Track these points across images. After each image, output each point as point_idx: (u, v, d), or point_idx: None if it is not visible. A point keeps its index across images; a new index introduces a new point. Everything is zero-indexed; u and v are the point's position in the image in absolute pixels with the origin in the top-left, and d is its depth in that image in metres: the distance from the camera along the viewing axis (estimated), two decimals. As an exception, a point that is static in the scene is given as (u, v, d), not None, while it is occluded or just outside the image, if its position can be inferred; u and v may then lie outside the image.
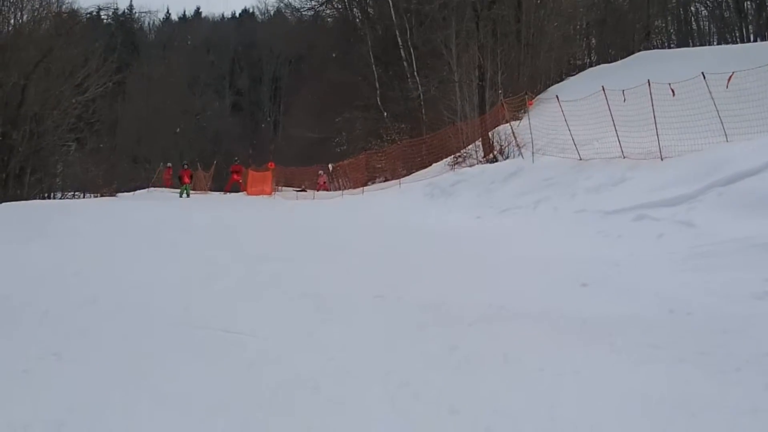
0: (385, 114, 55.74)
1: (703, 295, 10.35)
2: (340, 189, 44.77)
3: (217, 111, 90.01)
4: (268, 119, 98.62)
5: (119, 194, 41.39)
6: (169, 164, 52.98)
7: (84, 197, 39.06)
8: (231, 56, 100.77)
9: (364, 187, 39.27)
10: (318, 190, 45.01)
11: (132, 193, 44.74)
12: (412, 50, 55.23)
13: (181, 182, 41.98)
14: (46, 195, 37.96)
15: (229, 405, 6.52)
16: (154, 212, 24.87)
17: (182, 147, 75.34)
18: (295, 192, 44.55)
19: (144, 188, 49.06)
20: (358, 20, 67.09)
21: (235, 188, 47.65)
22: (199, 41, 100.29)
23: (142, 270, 13.46)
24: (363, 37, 60.92)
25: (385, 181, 41.27)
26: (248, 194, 43.18)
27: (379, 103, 57.68)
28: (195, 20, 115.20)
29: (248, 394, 6.80)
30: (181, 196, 39.24)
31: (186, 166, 45.16)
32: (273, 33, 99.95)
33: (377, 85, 58.75)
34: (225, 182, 50.22)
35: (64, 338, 8.46)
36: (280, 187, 46.95)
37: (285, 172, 51.16)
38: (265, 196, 41.23)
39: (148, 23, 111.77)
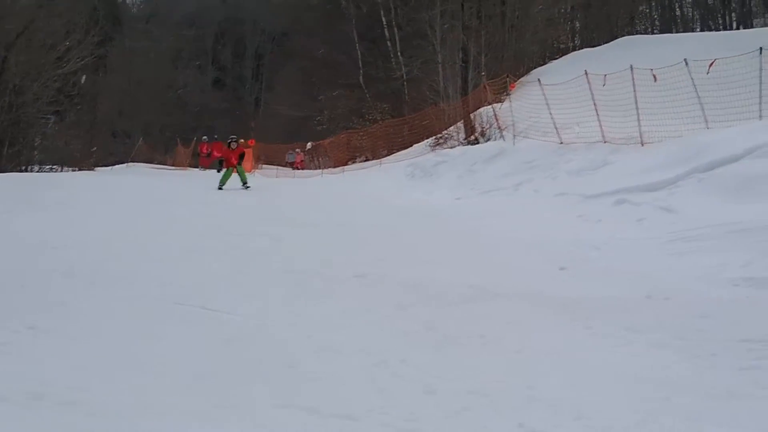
0: (368, 93, 55.60)
1: (681, 280, 10.41)
2: (320, 168, 44.67)
3: (199, 86, 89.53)
4: (250, 95, 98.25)
5: (97, 168, 41.18)
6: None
7: (62, 171, 38.80)
8: (214, 31, 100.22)
9: (345, 167, 39.21)
10: (294, 169, 44.88)
11: (110, 167, 44.53)
12: (396, 30, 55.06)
13: (224, 164, 28.63)
14: (23, 168, 37.56)
15: (207, 377, 6.50)
16: (139, 186, 24.77)
17: (163, 122, 75.03)
18: (276, 169, 44.40)
19: (123, 163, 48.82)
20: (343, -2, 66.94)
21: (215, 165, 47.34)
22: (183, 16, 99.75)
23: (124, 243, 13.37)
24: (347, 16, 60.67)
25: (366, 160, 41.21)
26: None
27: (361, 82, 57.51)
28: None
29: (225, 368, 6.79)
30: (221, 187, 25.06)
31: (234, 143, 27.42)
32: (257, 9, 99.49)
33: (360, 64, 58.56)
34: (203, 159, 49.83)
35: (40, 311, 8.38)
36: (260, 165, 46.77)
37: (266, 149, 51.01)
38: (246, 173, 41.09)
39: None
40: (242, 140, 50.45)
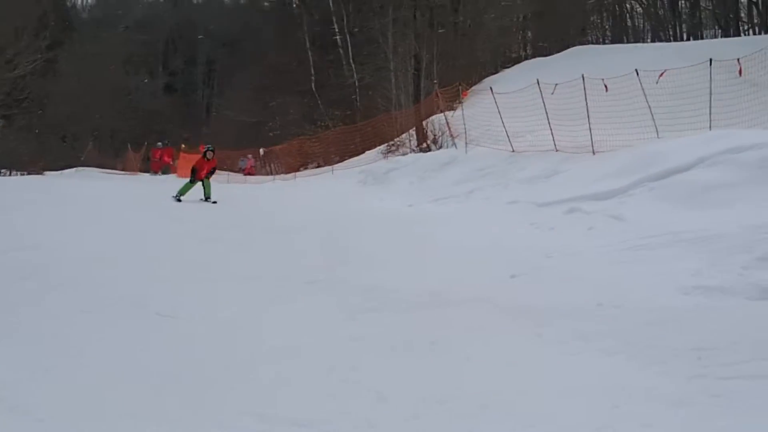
0: (320, 100, 55.56)
1: (632, 288, 10.45)
2: (272, 174, 44.50)
3: (150, 91, 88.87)
4: (202, 101, 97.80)
5: (47, 173, 40.76)
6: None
7: (10, 175, 38.33)
8: (165, 36, 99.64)
9: (297, 173, 39.11)
10: (245, 174, 44.69)
11: (60, 171, 44.11)
12: (348, 37, 55.10)
13: (195, 175, 23.42)
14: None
15: (159, 382, 6.45)
16: (90, 191, 24.50)
17: (114, 126, 74.41)
18: (227, 175, 44.15)
19: (73, 167, 48.35)
20: (294, 5, 66.74)
21: (166, 170, 47.01)
22: (134, 20, 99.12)
23: (77, 248, 13.22)
24: (299, 22, 60.65)
25: (317, 167, 41.11)
26: (179, 177, 42.66)
27: (313, 88, 57.43)
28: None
29: (178, 373, 6.73)
30: (180, 198, 22.52)
31: (210, 153, 24.44)
32: (208, 14, 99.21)
33: (312, 70, 58.50)
34: (154, 163, 49.46)
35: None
36: (211, 170, 46.53)
37: (217, 155, 50.62)
38: (196, 179, 40.81)
39: (83, 1, 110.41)
40: (184, 145, 50.26)
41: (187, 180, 23.23)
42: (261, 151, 48.11)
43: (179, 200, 22.29)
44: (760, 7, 57.81)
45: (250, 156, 47.64)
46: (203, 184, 23.20)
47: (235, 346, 7.78)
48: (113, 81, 77.42)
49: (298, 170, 40.74)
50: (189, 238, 15.14)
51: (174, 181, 37.58)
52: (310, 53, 59.23)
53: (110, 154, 61.40)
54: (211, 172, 23.87)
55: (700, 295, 9.86)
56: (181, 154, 46.55)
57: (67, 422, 5.52)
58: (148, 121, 77.62)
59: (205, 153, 24.44)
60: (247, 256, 13.50)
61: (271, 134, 56.77)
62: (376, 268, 12.62)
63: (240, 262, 12.84)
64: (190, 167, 24.07)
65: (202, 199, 22.71)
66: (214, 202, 22.59)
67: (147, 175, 46.36)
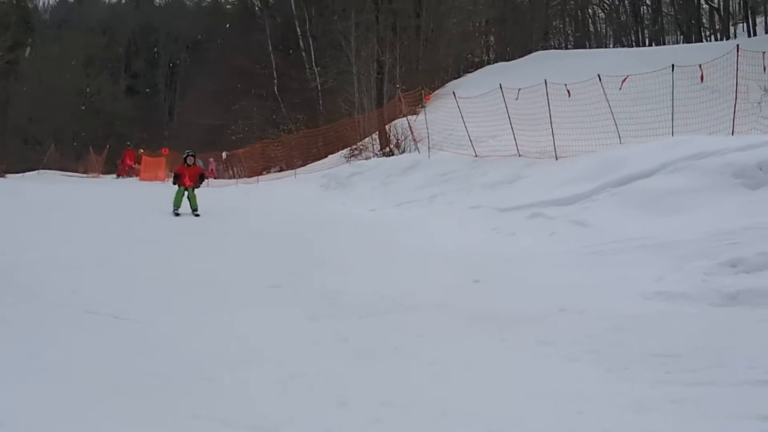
0: (282, 104, 55.45)
1: (594, 294, 10.46)
2: (234, 177, 44.37)
3: (112, 94, 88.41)
4: (164, 104, 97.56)
5: (8, 175, 40.46)
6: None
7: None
8: (127, 39, 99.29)
9: (260, 177, 38.99)
10: (207, 178, 44.55)
11: (21, 174, 43.82)
12: (311, 40, 55.10)
13: (178, 180, 21.36)
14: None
15: (119, 388, 6.38)
16: (50, 192, 24.32)
17: (75, 129, 74.04)
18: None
19: (34, 170, 48.06)
20: (257, 8, 66.63)
21: (128, 173, 46.78)
22: (95, 22, 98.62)
23: (33, 249, 13.11)
24: (262, 26, 60.52)
25: (280, 171, 41.00)
26: (141, 180, 42.46)
27: (276, 92, 57.33)
28: (91, 0, 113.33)
29: (138, 379, 6.66)
30: (176, 210, 20.68)
31: (191, 158, 22.45)
32: (170, 17, 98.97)
33: (275, 74, 58.38)
34: (117, 166, 49.17)
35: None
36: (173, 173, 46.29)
37: (180, 158, 50.49)
38: (158, 182, 40.56)
39: (44, 2, 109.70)
40: (141, 150, 49.93)
41: (173, 187, 21.25)
42: (223, 154, 47.94)
43: (177, 214, 20.42)
44: (722, 13, 58.44)
45: (211, 159, 47.44)
46: (188, 196, 20.71)
47: (197, 351, 7.70)
48: (75, 83, 77.02)
49: (260, 174, 40.63)
50: (148, 243, 15.05)
51: (135, 184, 37.38)
52: (272, 56, 59.11)
53: (72, 156, 61.05)
54: (199, 180, 21.51)
55: (662, 301, 9.89)
56: (144, 158, 46.34)
57: (27, 429, 5.45)
58: (110, 124, 77.36)
59: (185, 159, 22.12)
60: (208, 261, 13.42)
61: (233, 137, 56.61)
62: (340, 273, 12.59)
63: (201, 267, 12.76)
64: (166, 172, 23.21)
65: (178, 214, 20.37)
66: (197, 215, 20.33)
67: (110, 177, 46.07)
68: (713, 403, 6.04)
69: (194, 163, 22.13)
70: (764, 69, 20.14)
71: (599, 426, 5.80)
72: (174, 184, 21.09)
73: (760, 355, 6.98)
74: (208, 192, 29.86)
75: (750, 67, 20.01)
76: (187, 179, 21.00)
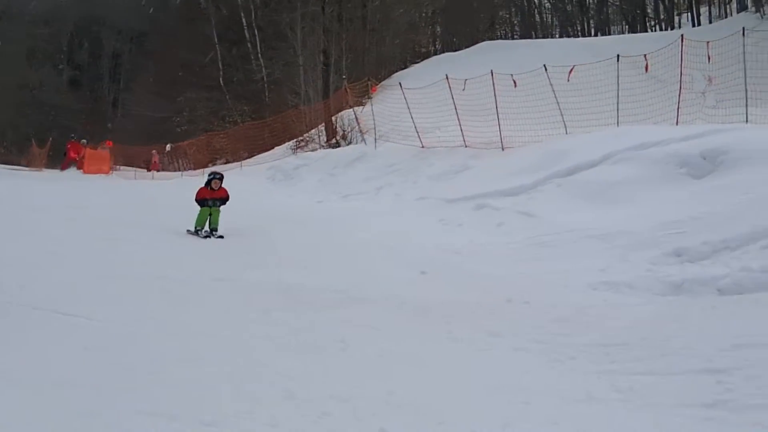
0: (228, 95, 55.09)
1: (540, 284, 10.52)
2: (179, 170, 44.08)
3: (55, 86, 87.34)
4: (108, 96, 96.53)
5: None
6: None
7: None
8: (70, 30, 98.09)
9: (205, 169, 38.74)
10: (150, 170, 44.20)
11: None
12: (256, 31, 54.68)
13: (201, 198, 16.94)
14: None
15: (65, 385, 6.25)
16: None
17: (17, 122, 73.11)
18: (134, 171, 43.58)
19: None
20: (202, -1, 66.26)
21: (72, 166, 46.22)
22: (37, 13, 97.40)
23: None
24: (207, 16, 60.09)
25: (226, 163, 40.77)
26: (85, 173, 41.95)
27: (222, 84, 56.93)
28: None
29: (85, 375, 6.54)
30: (199, 231, 16.50)
31: (217, 181, 17.30)
32: (114, 8, 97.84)
33: (221, 65, 57.97)
34: (61, 159, 48.55)
35: None
36: (118, 166, 45.82)
37: (124, 150, 50.04)
38: (102, 174, 40.16)
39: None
40: (83, 140, 49.28)
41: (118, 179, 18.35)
42: (168, 146, 47.48)
43: (198, 233, 16.43)
44: (666, 3, 58.96)
45: (154, 152, 47.05)
46: (212, 216, 16.64)
47: (145, 346, 7.58)
48: (16, 75, 76.06)
49: (206, 166, 40.35)
50: (89, 238, 14.82)
51: (79, 177, 36.98)
52: (218, 47, 58.68)
53: (14, 150, 60.31)
54: (223, 202, 16.97)
55: (608, 291, 9.96)
56: (88, 150, 45.82)
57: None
58: (54, 116, 76.48)
59: (209, 182, 17.22)
60: (154, 255, 13.23)
61: (178, 129, 56.15)
62: (286, 266, 12.52)
63: (147, 262, 12.58)
64: (111, 164, 17.50)
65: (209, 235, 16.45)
66: (221, 237, 16.28)
67: (55, 171, 45.53)
68: (659, 392, 6.06)
69: (220, 188, 17.13)
70: (708, 59, 20.38)
71: (545, 416, 5.79)
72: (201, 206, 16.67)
73: (703, 344, 7.02)
74: (153, 185, 29.69)
75: (694, 57, 20.24)
76: (208, 200, 16.75)
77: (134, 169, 45.01)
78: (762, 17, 39.50)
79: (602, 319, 8.54)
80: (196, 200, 16.78)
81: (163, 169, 44.99)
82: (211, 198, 16.79)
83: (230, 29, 57.67)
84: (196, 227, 16.42)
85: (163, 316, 8.84)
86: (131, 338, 7.85)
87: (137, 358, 7.15)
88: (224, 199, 16.99)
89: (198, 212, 16.65)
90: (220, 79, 56.79)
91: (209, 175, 17.51)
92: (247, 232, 16.41)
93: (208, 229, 16.48)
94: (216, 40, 58.36)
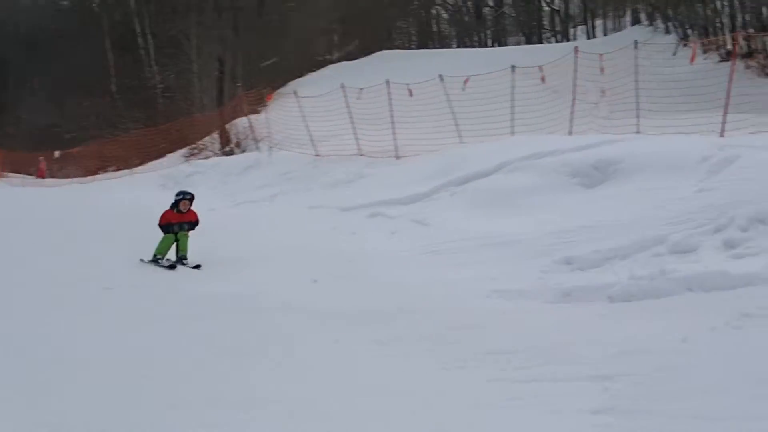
0: (120, 102, 54.40)
1: (433, 293, 10.55)
2: (68, 177, 43.32)
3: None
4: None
5: None
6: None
7: None
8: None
9: (96, 176, 38.21)
10: (37, 177, 43.44)
11: None
12: (150, 38, 54.17)
13: (166, 223, 14.68)
14: None
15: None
16: None
17: None
18: (22, 178, 42.75)
19: None
20: (95, 4, 65.30)
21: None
22: None
23: None
24: (99, 22, 59.31)
25: (117, 170, 40.26)
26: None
27: (114, 90, 56.23)
28: None
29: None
30: (160, 258, 14.01)
31: (187, 202, 15.01)
32: (2, 11, 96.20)
33: (113, 71, 57.27)
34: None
35: None
36: (5, 173, 44.90)
37: (11, 157, 49.08)
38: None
39: None
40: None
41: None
42: (56, 153, 46.61)
43: (158, 262, 14.06)
44: (562, 16, 60.07)
45: (41, 158, 46.18)
46: (179, 242, 14.50)
47: (30, 358, 7.42)
48: None
49: (96, 173, 39.81)
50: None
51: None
52: (110, 54, 57.92)
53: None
54: (191, 227, 14.93)
55: (500, 299, 10.02)
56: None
57: None
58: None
59: (176, 204, 15.04)
60: (45, 263, 12.93)
61: (68, 136, 55.16)
62: (180, 273, 12.41)
63: (47, 267, 12.35)
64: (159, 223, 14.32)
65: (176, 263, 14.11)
66: (198, 266, 13.88)
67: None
68: (547, 399, 6.09)
69: (188, 210, 15.07)
70: (601, 70, 20.74)
71: (434, 422, 5.80)
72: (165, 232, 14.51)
73: (589, 351, 7.11)
74: (41, 192, 29.17)
75: (588, 69, 20.59)
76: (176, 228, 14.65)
77: (22, 176, 44.18)
78: (655, 30, 40.38)
79: (492, 326, 8.59)
80: (160, 225, 14.59)
81: (51, 176, 44.16)
82: (178, 222, 14.70)
83: (123, 35, 57.01)
84: (155, 255, 14.10)
85: (66, 323, 8.83)
86: (19, 349, 7.76)
87: (29, 370, 7.10)
88: (193, 224, 14.99)
89: (160, 239, 14.36)
90: (112, 85, 56.07)
91: (177, 195, 15.27)
92: (135, 239, 16.00)
93: (175, 258, 14.22)
94: (108, 45, 57.61)
